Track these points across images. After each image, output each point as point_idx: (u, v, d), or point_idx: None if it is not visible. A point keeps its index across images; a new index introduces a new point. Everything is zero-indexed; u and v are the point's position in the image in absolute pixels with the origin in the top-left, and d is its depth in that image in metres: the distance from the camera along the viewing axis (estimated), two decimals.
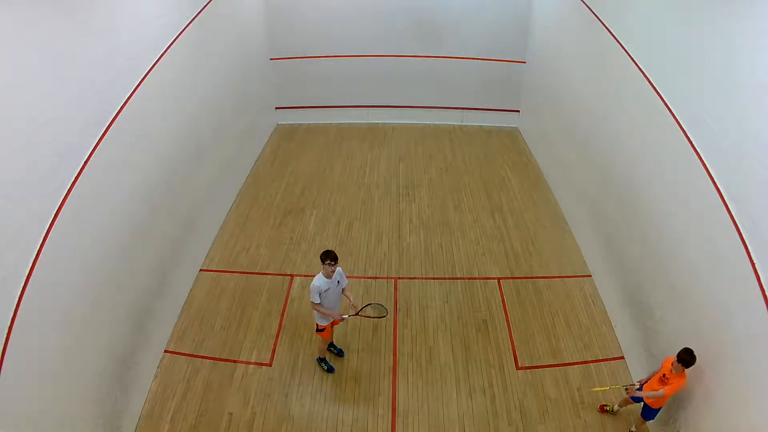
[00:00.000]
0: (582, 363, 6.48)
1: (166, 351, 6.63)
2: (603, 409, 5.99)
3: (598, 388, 6.09)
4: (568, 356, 6.58)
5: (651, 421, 5.46)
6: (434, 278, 7.87)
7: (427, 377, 6.32)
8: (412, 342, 6.79)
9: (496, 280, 7.81)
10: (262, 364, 6.49)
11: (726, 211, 4.59)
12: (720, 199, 4.67)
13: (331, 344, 6.58)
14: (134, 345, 5.91)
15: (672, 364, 5.01)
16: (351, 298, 5.94)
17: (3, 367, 3.82)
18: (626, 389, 5.62)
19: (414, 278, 7.87)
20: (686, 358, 4.86)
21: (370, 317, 6.17)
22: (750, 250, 4.29)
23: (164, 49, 6.61)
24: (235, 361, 6.52)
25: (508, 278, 7.85)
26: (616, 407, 5.93)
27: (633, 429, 5.74)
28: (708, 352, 4.85)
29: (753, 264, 4.23)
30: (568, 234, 8.78)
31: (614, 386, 6.03)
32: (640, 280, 6.30)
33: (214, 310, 7.26)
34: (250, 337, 6.85)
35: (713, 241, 4.80)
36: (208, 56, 8.20)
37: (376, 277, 7.88)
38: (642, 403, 5.43)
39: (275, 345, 6.74)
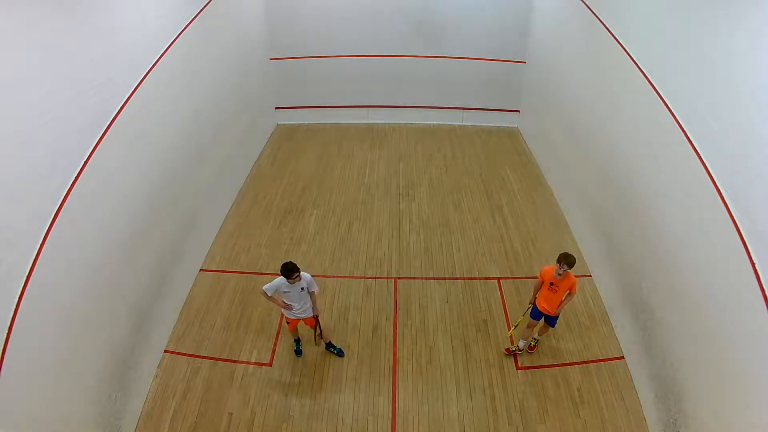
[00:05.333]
0: (582, 363, 6.48)
1: (166, 351, 6.63)
2: (509, 352, 6.52)
3: (510, 332, 6.62)
4: (568, 356, 6.58)
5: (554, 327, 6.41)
6: (434, 278, 7.87)
7: (427, 377, 6.32)
8: (412, 342, 6.79)
9: (496, 280, 7.81)
10: (262, 364, 6.49)
11: (726, 211, 4.58)
12: (720, 199, 4.67)
13: (330, 344, 6.60)
14: (134, 345, 5.90)
15: (556, 274, 5.76)
16: (316, 306, 6.13)
17: (3, 367, 3.81)
18: (525, 315, 6.36)
19: (414, 278, 7.87)
20: (570, 260, 5.65)
21: (317, 332, 6.45)
22: (750, 250, 4.28)
23: (164, 49, 6.61)
24: (235, 361, 6.52)
25: (508, 278, 7.85)
26: (521, 343, 6.50)
27: (536, 336, 6.55)
28: (708, 352, 4.85)
29: (753, 264, 4.22)
30: (568, 234, 8.78)
31: (520, 320, 6.51)
32: (640, 280, 6.30)
33: (214, 310, 7.26)
34: (250, 337, 6.85)
35: (713, 241, 4.80)
36: (208, 56, 8.20)
37: (376, 277, 7.87)
38: (543, 318, 6.22)
39: (275, 345, 6.74)
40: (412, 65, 12.03)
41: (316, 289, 5.98)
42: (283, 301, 5.93)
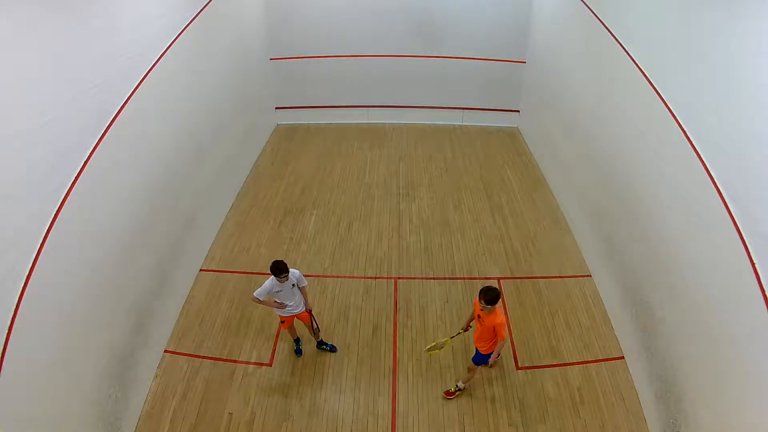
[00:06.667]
0: (582, 363, 6.48)
1: (166, 351, 6.63)
2: (450, 394, 6.03)
3: (431, 348, 5.97)
4: (568, 356, 6.58)
5: (480, 365, 5.84)
6: (434, 278, 7.87)
7: (427, 377, 6.32)
8: (412, 342, 6.78)
9: (496, 280, 7.81)
10: (262, 364, 6.49)
11: (726, 211, 4.58)
12: (720, 199, 4.67)
13: (321, 342, 6.63)
14: (134, 345, 5.91)
15: (481, 308, 5.23)
16: (308, 302, 6.18)
17: (3, 367, 3.81)
18: (456, 336, 5.99)
19: (414, 278, 7.87)
20: (488, 298, 5.07)
21: (314, 326, 6.44)
22: (750, 250, 4.28)
23: (164, 49, 6.61)
24: (235, 361, 6.52)
25: (508, 278, 7.85)
26: (461, 384, 6.04)
27: (460, 384, 6.03)
28: (708, 352, 4.86)
29: (753, 264, 4.22)
30: (568, 234, 8.78)
31: (441, 340, 6.06)
32: (640, 280, 6.30)
33: (214, 310, 7.26)
34: (250, 337, 6.86)
35: (713, 241, 4.80)
36: (208, 56, 8.20)
37: (376, 277, 7.88)
38: (475, 354, 5.72)
39: (275, 345, 6.74)
40: (412, 65, 12.03)
41: (305, 283, 6.04)
42: (275, 301, 5.99)
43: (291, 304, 6.01)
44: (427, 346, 6.05)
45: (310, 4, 11.46)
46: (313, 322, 6.38)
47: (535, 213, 9.36)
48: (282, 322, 6.33)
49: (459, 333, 5.95)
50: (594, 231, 7.85)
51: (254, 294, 5.76)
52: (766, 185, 4.16)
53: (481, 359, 5.70)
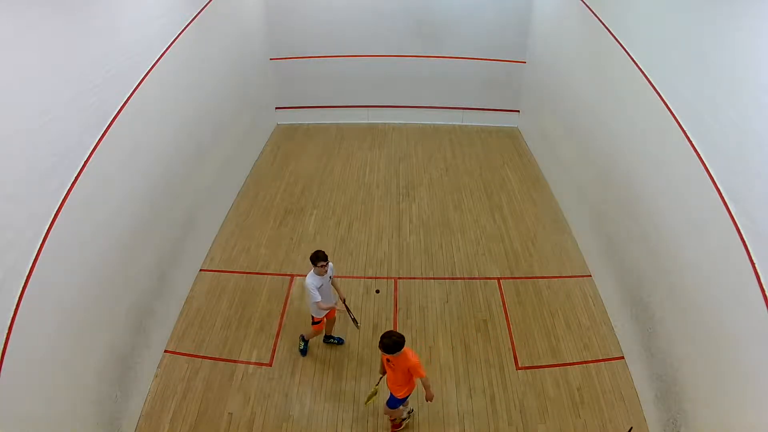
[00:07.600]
0: (582, 363, 6.48)
1: (166, 351, 6.63)
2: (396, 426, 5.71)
3: (368, 400, 5.62)
4: (568, 356, 6.58)
5: (399, 407, 5.46)
6: (434, 278, 7.87)
7: (427, 377, 6.30)
8: (412, 342, 6.77)
9: (496, 280, 7.81)
10: (262, 364, 6.49)
11: (726, 211, 4.58)
12: (720, 199, 4.67)
13: (330, 336, 6.65)
14: (134, 345, 5.90)
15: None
16: (340, 291, 6.19)
17: (3, 367, 3.81)
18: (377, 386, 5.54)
19: (414, 278, 7.87)
20: (383, 344, 4.91)
21: (351, 317, 6.39)
22: (750, 250, 4.28)
23: (164, 49, 6.61)
24: (235, 361, 6.52)
25: (508, 278, 7.86)
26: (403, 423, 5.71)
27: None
28: (708, 352, 4.86)
29: (753, 264, 4.22)
30: (568, 234, 8.78)
31: (371, 390, 5.59)
32: (640, 280, 6.30)
33: (214, 310, 7.26)
34: (250, 337, 6.85)
35: (713, 241, 4.80)
36: (208, 56, 8.20)
37: (376, 277, 7.87)
38: (389, 398, 5.36)
39: (275, 345, 6.74)
40: (412, 65, 12.02)
41: (334, 272, 6.10)
42: (326, 305, 5.92)
43: (331, 296, 6.05)
44: (365, 400, 5.71)
45: (310, 4, 11.46)
46: (349, 312, 6.31)
47: (535, 213, 9.36)
48: (317, 323, 6.21)
49: (380, 377, 5.54)
50: (594, 231, 7.85)
51: (314, 301, 5.71)
52: (766, 185, 4.16)
53: (397, 402, 5.35)
